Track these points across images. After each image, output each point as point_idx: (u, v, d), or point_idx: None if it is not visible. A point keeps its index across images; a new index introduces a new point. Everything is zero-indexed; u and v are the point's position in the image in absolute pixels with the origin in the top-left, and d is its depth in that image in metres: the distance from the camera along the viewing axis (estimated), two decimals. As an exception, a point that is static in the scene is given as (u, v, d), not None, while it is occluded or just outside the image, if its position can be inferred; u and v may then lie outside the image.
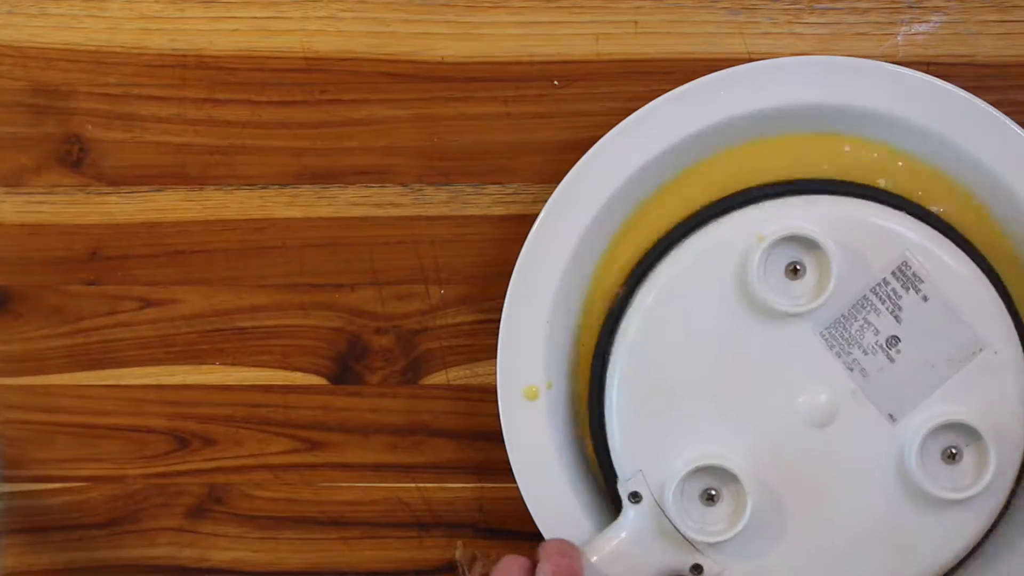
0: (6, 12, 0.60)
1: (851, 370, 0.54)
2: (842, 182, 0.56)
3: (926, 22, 0.58)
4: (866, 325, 0.54)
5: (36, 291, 0.62)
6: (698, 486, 0.55)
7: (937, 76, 0.55)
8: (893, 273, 0.54)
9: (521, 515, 0.58)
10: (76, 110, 0.60)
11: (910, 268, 0.53)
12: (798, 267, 0.54)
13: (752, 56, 0.58)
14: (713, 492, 0.54)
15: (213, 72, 0.60)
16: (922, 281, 0.54)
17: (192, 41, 0.59)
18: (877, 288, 0.54)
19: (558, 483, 0.58)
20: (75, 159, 0.61)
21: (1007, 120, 0.55)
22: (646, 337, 0.55)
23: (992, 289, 0.54)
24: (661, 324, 0.55)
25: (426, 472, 0.62)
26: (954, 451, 0.54)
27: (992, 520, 0.55)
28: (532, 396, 0.58)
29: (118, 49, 0.60)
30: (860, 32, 0.58)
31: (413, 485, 0.62)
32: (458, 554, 0.62)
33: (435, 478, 0.62)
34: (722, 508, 0.55)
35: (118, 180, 0.61)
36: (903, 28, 0.58)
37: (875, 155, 0.56)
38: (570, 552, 0.55)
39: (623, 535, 0.55)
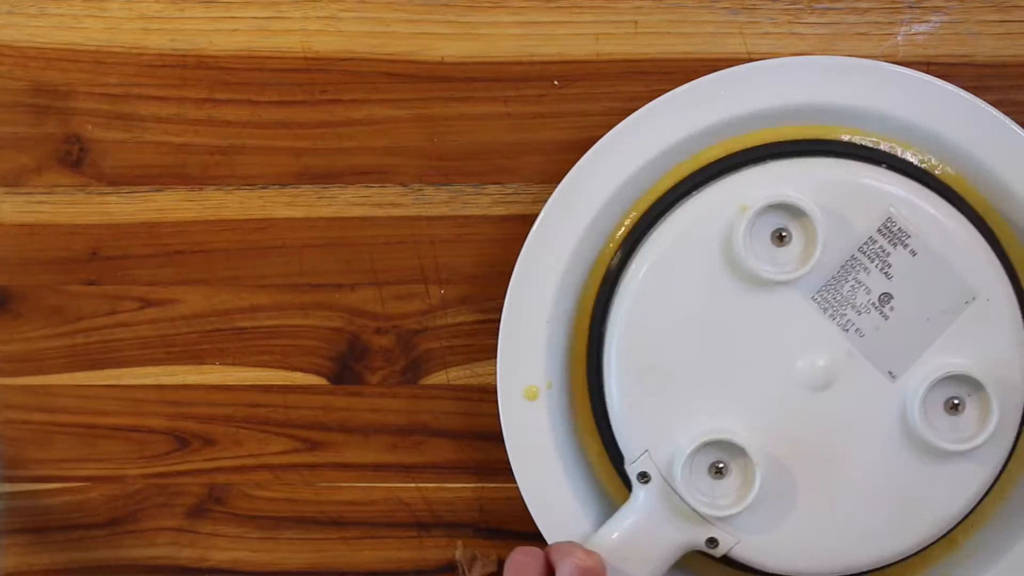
0: (6, 12, 0.60)
1: (846, 331, 0.54)
2: (820, 141, 0.56)
3: (926, 22, 0.58)
4: (857, 285, 0.54)
5: (36, 291, 0.62)
6: (706, 460, 0.55)
7: (937, 76, 0.55)
8: (879, 230, 0.53)
9: (521, 515, 0.58)
10: (76, 110, 0.60)
11: (895, 224, 0.53)
12: (784, 234, 0.54)
13: (752, 56, 0.58)
14: (721, 465, 0.54)
15: (213, 72, 0.60)
16: (909, 236, 0.53)
17: (192, 41, 0.59)
18: (865, 247, 0.54)
19: (558, 483, 0.58)
20: (75, 159, 0.61)
21: (1007, 120, 0.55)
22: (638, 314, 0.55)
23: (979, 236, 0.54)
24: (652, 300, 0.55)
25: (426, 472, 0.62)
26: (956, 402, 0.53)
27: (998, 469, 0.54)
28: (532, 396, 0.58)
29: (118, 49, 0.60)
30: (860, 32, 0.58)
31: (413, 485, 0.62)
32: (458, 554, 0.62)
33: (435, 478, 0.62)
34: (731, 481, 0.54)
35: (118, 180, 0.61)
36: (903, 28, 0.58)
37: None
38: (588, 550, 0.54)
39: (635, 516, 0.55)
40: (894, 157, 0.56)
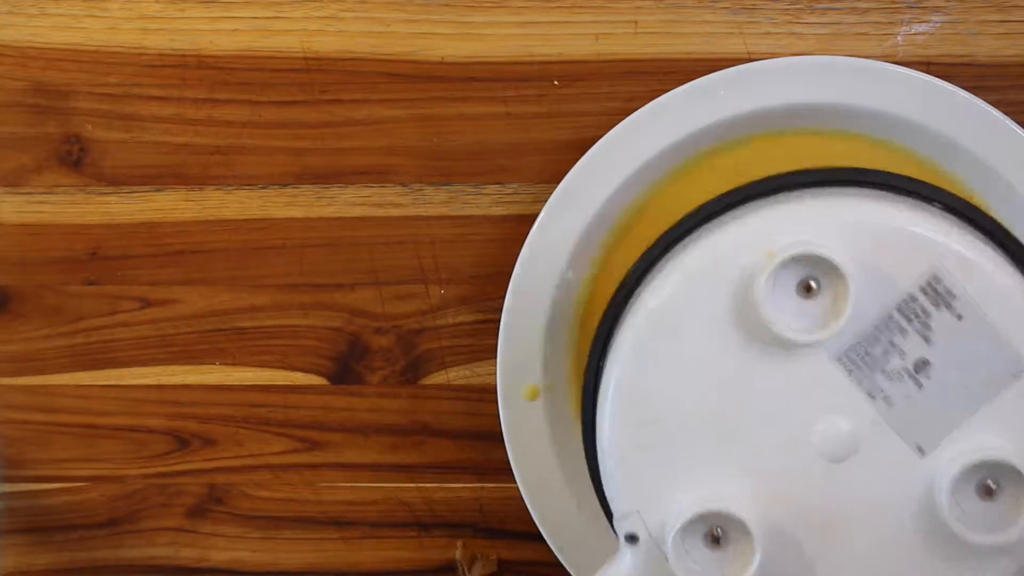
0: (6, 12, 0.60)
1: (873, 398, 0.48)
2: (865, 171, 0.50)
3: (926, 22, 0.58)
4: (891, 348, 0.47)
5: (36, 291, 0.62)
6: (702, 528, 0.49)
7: (937, 76, 0.55)
8: (922, 288, 0.47)
9: (521, 515, 0.58)
10: (76, 110, 0.60)
11: (941, 282, 0.47)
12: (811, 284, 0.47)
13: (752, 56, 0.58)
14: (718, 533, 0.49)
15: (213, 72, 0.60)
16: (955, 297, 0.47)
17: (192, 41, 0.59)
18: (903, 305, 0.47)
19: (558, 483, 0.58)
20: (75, 159, 0.61)
21: (1007, 120, 0.55)
22: (639, 363, 0.49)
23: None
24: (655, 348, 0.49)
25: (426, 472, 0.62)
26: (990, 487, 0.47)
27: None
28: (532, 396, 0.58)
29: (118, 49, 0.60)
30: (860, 32, 0.58)
31: (413, 485, 0.62)
32: (458, 554, 0.62)
33: (435, 478, 0.62)
34: (729, 552, 0.48)
35: (118, 180, 0.61)
36: (903, 28, 0.58)
37: (874, 154, 0.57)
38: None
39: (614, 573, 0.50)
40: (949, 195, 0.49)
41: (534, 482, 0.58)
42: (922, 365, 0.47)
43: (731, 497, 0.48)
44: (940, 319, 0.47)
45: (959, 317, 0.47)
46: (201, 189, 0.61)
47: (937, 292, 0.47)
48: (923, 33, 0.58)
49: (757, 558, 0.47)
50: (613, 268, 0.58)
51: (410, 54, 0.59)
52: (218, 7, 0.59)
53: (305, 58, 0.59)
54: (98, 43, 0.60)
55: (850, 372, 0.48)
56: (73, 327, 0.62)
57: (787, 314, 0.47)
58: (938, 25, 0.58)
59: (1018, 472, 0.46)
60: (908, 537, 0.48)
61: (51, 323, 0.62)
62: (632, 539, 0.50)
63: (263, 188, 0.60)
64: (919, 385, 0.48)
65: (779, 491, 0.48)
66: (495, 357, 0.58)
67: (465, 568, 0.62)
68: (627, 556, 0.50)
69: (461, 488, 0.62)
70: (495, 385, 0.58)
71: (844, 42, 0.58)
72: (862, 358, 0.48)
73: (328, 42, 0.59)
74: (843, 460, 0.48)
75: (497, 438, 0.58)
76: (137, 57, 0.60)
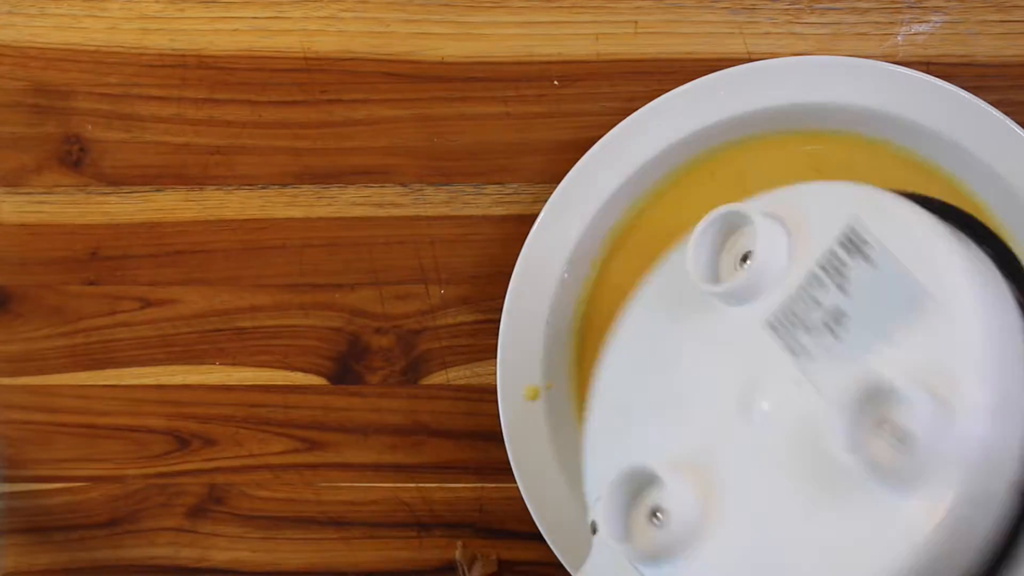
0: (6, 12, 0.60)
1: (796, 355, 0.47)
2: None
3: (926, 22, 0.58)
4: (812, 303, 0.47)
5: (36, 291, 0.62)
6: (646, 506, 0.48)
7: (937, 76, 0.55)
8: (841, 243, 0.47)
9: (521, 515, 0.58)
10: (76, 110, 0.60)
11: (856, 233, 0.47)
12: (747, 257, 0.49)
13: (752, 56, 0.58)
14: (660, 513, 0.48)
15: (213, 72, 0.60)
16: (866, 243, 0.47)
17: (192, 41, 0.60)
18: (824, 261, 0.47)
19: (558, 483, 0.58)
20: (75, 159, 0.61)
21: (1007, 120, 0.55)
22: (606, 353, 0.51)
23: (947, 238, 0.47)
24: (621, 338, 0.51)
25: (426, 472, 0.62)
26: (881, 421, 0.45)
27: (943, 516, 0.44)
28: (532, 396, 0.58)
29: (118, 49, 0.60)
30: (860, 32, 0.58)
31: (413, 485, 0.62)
32: (458, 554, 0.62)
33: (435, 478, 0.62)
34: (668, 527, 0.48)
35: (118, 180, 0.61)
36: (903, 28, 0.58)
37: (873, 154, 0.57)
38: None
39: (587, 571, 0.50)
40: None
41: (534, 482, 0.58)
42: (839, 316, 0.47)
43: (657, 460, 0.48)
44: (855, 268, 0.47)
45: (870, 261, 0.47)
46: (201, 189, 0.61)
47: (852, 243, 0.47)
48: (923, 33, 0.58)
49: (675, 517, 0.47)
50: (613, 268, 0.58)
51: (410, 54, 0.59)
52: (218, 7, 0.59)
53: (305, 58, 0.59)
54: (98, 43, 0.60)
55: (776, 332, 0.48)
56: (73, 327, 0.62)
57: (715, 282, 0.49)
58: (938, 25, 0.58)
59: (898, 393, 0.44)
60: (815, 484, 0.47)
61: (51, 323, 0.62)
62: (595, 528, 0.49)
63: (263, 188, 0.60)
64: (836, 337, 0.47)
65: (704, 453, 0.48)
66: (495, 357, 0.58)
67: (465, 568, 0.62)
68: (595, 547, 0.50)
69: (461, 488, 0.62)
70: (495, 385, 0.58)
71: (844, 42, 0.58)
72: (788, 318, 0.48)
73: (328, 42, 0.59)
74: (765, 420, 0.48)
75: (497, 438, 0.58)
76: (137, 57, 0.60)
